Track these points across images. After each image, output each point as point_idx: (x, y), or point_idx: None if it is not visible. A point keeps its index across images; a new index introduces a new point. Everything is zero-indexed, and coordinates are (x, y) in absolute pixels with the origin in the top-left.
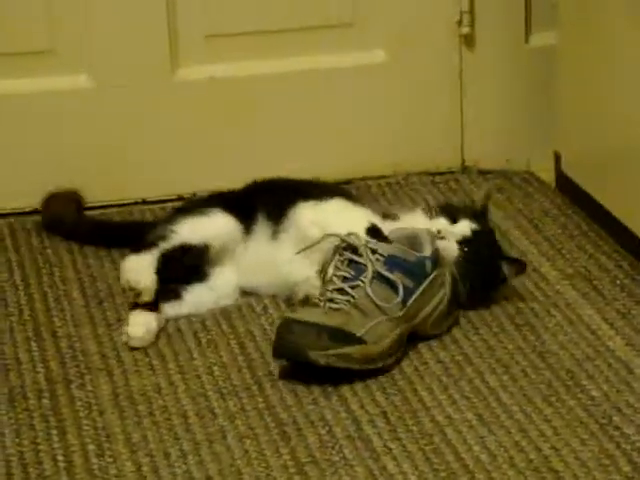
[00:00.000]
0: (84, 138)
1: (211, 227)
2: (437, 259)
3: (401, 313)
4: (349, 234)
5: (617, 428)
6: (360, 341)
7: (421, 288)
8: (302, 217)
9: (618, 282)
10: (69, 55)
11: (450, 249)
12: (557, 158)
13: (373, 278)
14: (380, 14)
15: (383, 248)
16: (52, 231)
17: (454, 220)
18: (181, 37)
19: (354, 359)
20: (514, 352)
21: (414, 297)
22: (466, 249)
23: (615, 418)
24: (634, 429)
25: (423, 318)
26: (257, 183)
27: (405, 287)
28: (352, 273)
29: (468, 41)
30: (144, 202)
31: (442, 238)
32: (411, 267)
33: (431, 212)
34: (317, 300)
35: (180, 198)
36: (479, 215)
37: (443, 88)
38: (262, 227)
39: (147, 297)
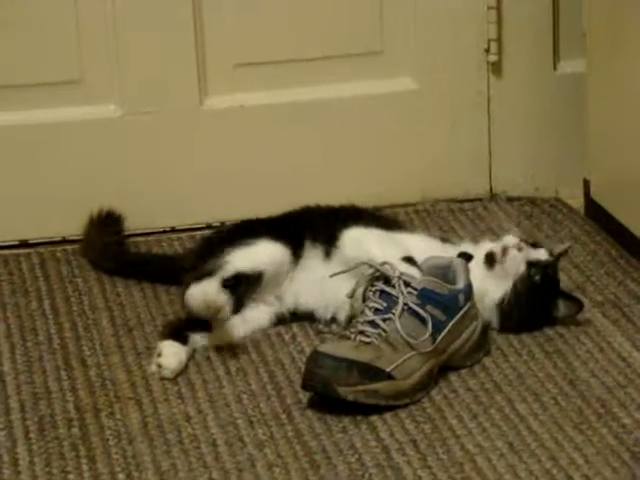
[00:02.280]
0: (113, 167)
1: (264, 255)
2: (470, 292)
3: (431, 348)
4: (384, 264)
5: None
6: (389, 377)
7: (452, 322)
8: (345, 236)
9: None
10: (98, 85)
11: (519, 262)
12: (586, 185)
13: (403, 311)
14: (408, 42)
15: (416, 281)
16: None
17: (533, 245)
18: (209, 66)
19: (382, 395)
20: (544, 380)
21: (445, 331)
22: (533, 273)
23: None
24: None
25: (453, 351)
26: (303, 209)
27: (437, 321)
28: (384, 305)
29: (496, 69)
30: (173, 230)
31: (520, 250)
32: (444, 301)
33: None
34: (348, 332)
35: (209, 226)
36: (553, 254)
37: (471, 115)
38: (313, 250)
39: (226, 314)
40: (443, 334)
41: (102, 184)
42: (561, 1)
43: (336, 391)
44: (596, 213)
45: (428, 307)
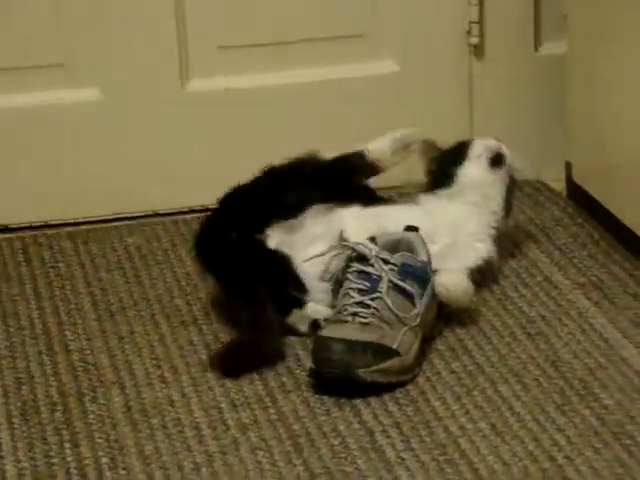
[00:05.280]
0: (96, 151)
1: None
2: (431, 263)
3: (418, 321)
4: (358, 244)
5: (631, 437)
6: (397, 354)
7: (426, 294)
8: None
9: (630, 291)
10: (81, 68)
11: (509, 154)
12: (568, 167)
13: (389, 289)
14: (391, 25)
15: (394, 257)
16: None
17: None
18: (192, 48)
19: (393, 372)
20: (527, 361)
21: (423, 304)
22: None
23: (629, 427)
24: None
25: (427, 322)
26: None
27: (417, 294)
28: (366, 284)
29: (477, 51)
30: (156, 214)
31: (501, 141)
32: (418, 273)
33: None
34: (341, 316)
35: (192, 210)
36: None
37: (453, 98)
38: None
39: None
40: (423, 306)
41: (85, 168)
42: None
43: (355, 374)
44: (578, 195)
45: (408, 282)
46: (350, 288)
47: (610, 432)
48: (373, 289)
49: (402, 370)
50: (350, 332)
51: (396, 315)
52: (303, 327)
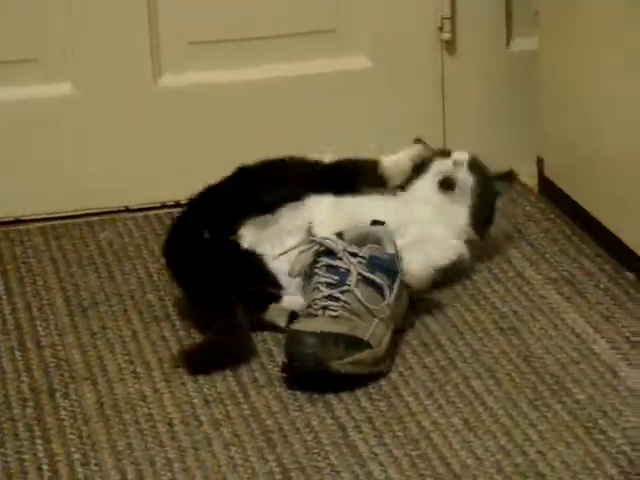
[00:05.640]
0: (68, 146)
1: None
2: (399, 256)
3: (388, 312)
4: (326, 238)
5: (602, 431)
6: (369, 345)
7: (396, 285)
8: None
9: (602, 286)
10: (53, 63)
11: (467, 177)
12: (540, 163)
13: (358, 281)
14: (363, 20)
15: (362, 250)
16: None
17: (447, 155)
18: (164, 44)
19: (365, 364)
20: (499, 356)
21: (393, 295)
22: (475, 177)
23: (600, 421)
24: (619, 432)
25: (398, 313)
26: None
27: (386, 286)
28: (335, 278)
29: (449, 47)
30: (127, 210)
31: (460, 165)
32: (387, 265)
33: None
34: (311, 310)
35: (164, 206)
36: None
37: (425, 94)
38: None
39: None
40: (393, 298)
41: (57, 163)
42: None
43: (328, 366)
44: (550, 191)
45: (377, 274)
46: (319, 282)
47: (582, 427)
48: (342, 282)
49: (374, 362)
50: (322, 325)
51: (366, 307)
52: (282, 321)
